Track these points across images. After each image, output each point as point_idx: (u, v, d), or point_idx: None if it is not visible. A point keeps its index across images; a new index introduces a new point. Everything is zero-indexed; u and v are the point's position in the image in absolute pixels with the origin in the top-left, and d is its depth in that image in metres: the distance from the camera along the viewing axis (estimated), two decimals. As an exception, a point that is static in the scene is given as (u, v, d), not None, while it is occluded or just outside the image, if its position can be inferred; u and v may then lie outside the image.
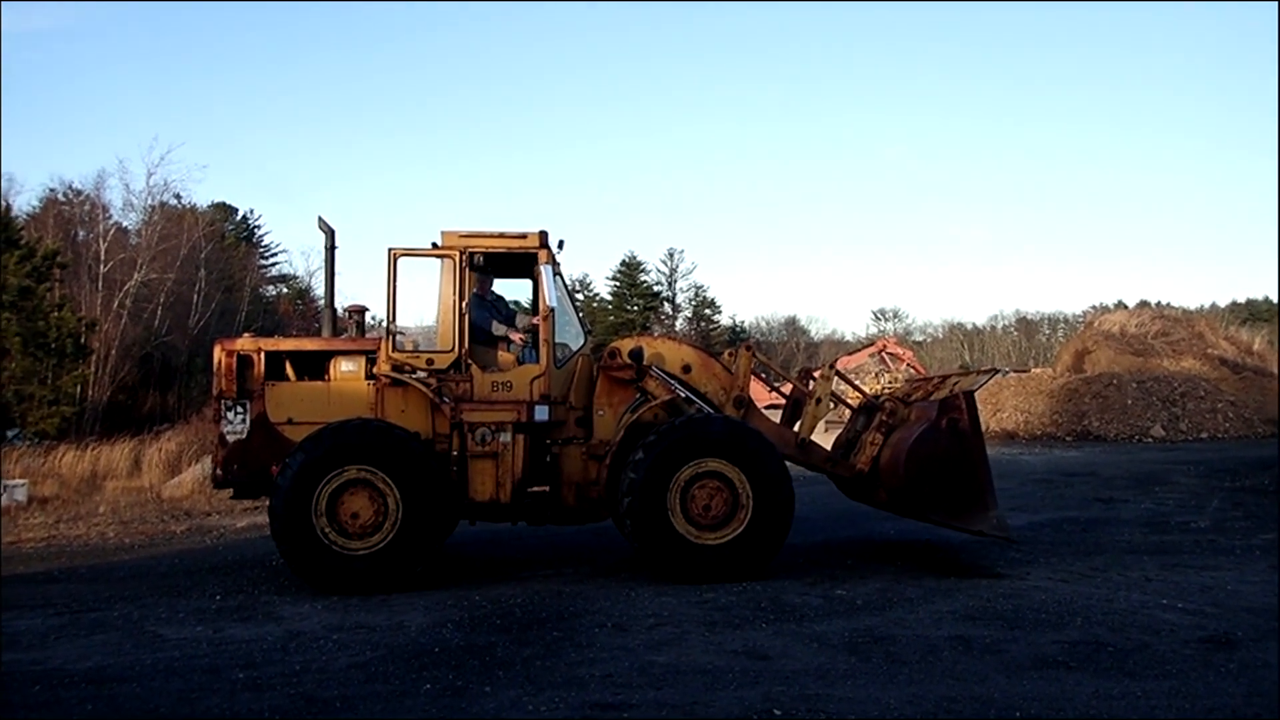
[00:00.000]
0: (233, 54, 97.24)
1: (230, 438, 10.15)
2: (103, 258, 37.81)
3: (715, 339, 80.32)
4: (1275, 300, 66.74)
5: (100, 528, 14.22)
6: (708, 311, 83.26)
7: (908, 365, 45.93)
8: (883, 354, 47.17)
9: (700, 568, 9.62)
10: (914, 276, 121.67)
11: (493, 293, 11.04)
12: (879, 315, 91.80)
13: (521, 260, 10.53)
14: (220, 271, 49.12)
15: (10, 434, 24.36)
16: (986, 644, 7.30)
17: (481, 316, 10.55)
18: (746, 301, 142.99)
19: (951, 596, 8.90)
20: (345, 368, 10.33)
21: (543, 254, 10.28)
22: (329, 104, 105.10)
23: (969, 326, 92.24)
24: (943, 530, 10.70)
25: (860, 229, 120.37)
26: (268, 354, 10.33)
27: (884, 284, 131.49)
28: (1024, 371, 43.28)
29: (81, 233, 41.30)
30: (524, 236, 10.39)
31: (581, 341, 10.89)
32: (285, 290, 66.49)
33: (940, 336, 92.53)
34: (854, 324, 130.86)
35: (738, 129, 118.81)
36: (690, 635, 7.65)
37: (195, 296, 45.21)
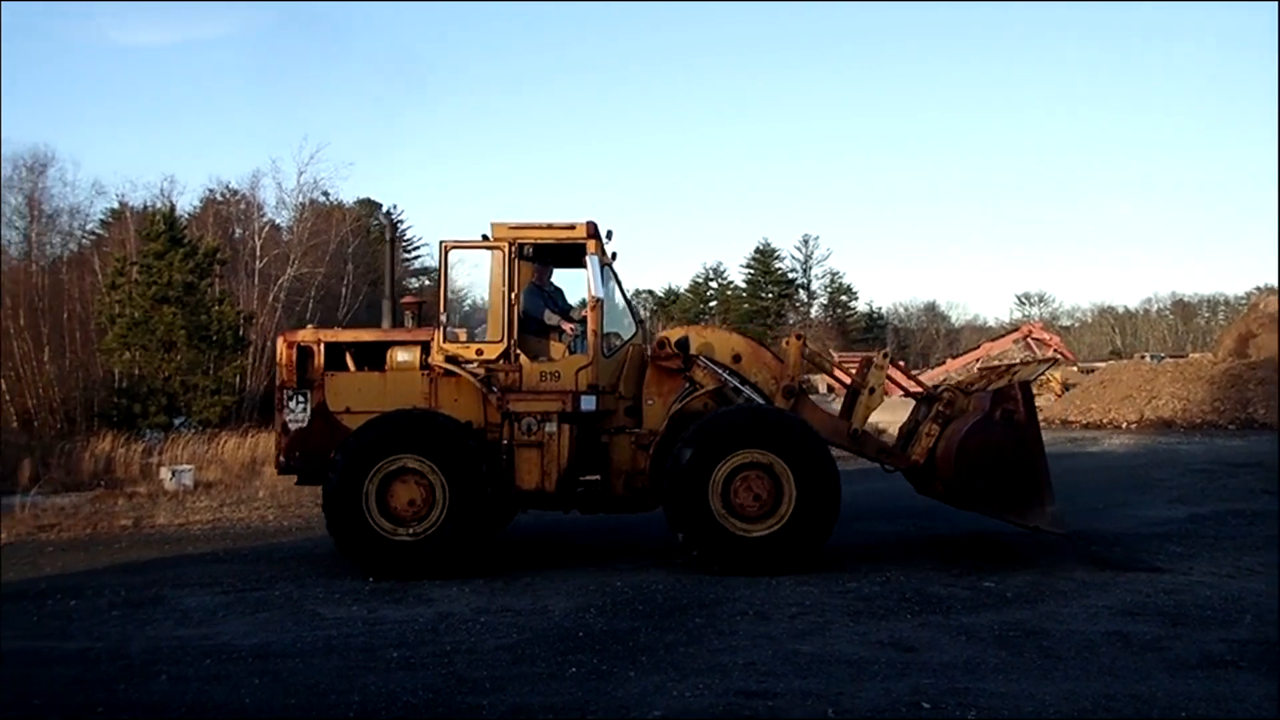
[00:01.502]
0: (375, 55, 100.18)
1: (292, 426, 10.45)
2: (258, 254, 39.54)
3: (851, 326, 79.22)
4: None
5: (260, 511, 14.86)
6: (843, 298, 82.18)
7: (1055, 351, 44.39)
8: (1028, 340, 45.65)
9: (741, 559, 9.48)
10: (1060, 259, 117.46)
11: (551, 283, 11.05)
12: (1023, 299, 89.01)
13: (570, 251, 10.41)
14: (366, 265, 50.78)
15: (177, 421, 25.70)
16: (1147, 641, 7.01)
17: (535, 306, 10.60)
18: (884, 287, 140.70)
19: (1107, 591, 8.58)
20: (401, 358, 10.48)
21: (591, 244, 10.19)
22: (469, 104, 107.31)
23: (1120, 310, 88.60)
24: (1096, 522, 10.33)
25: (1003, 212, 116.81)
26: (327, 345, 10.60)
27: (1028, 267, 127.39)
28: (1181, 357, 41.38)
29: (238, 230, 43.26)
30: (572, 227, 10.33)
31: (633, 332, 10.87)
32: (428, 282, 68.37)
33: (1089, 321, 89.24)
34: (997, 309, 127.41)
35: (875, 116, 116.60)
36: (834, 625, 7.57)
37: (343, 290, 46.86)
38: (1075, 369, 47.23)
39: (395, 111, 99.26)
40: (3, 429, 24.05)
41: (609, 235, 10.54)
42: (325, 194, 48.46)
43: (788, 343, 10.82)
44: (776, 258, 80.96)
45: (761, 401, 10.26)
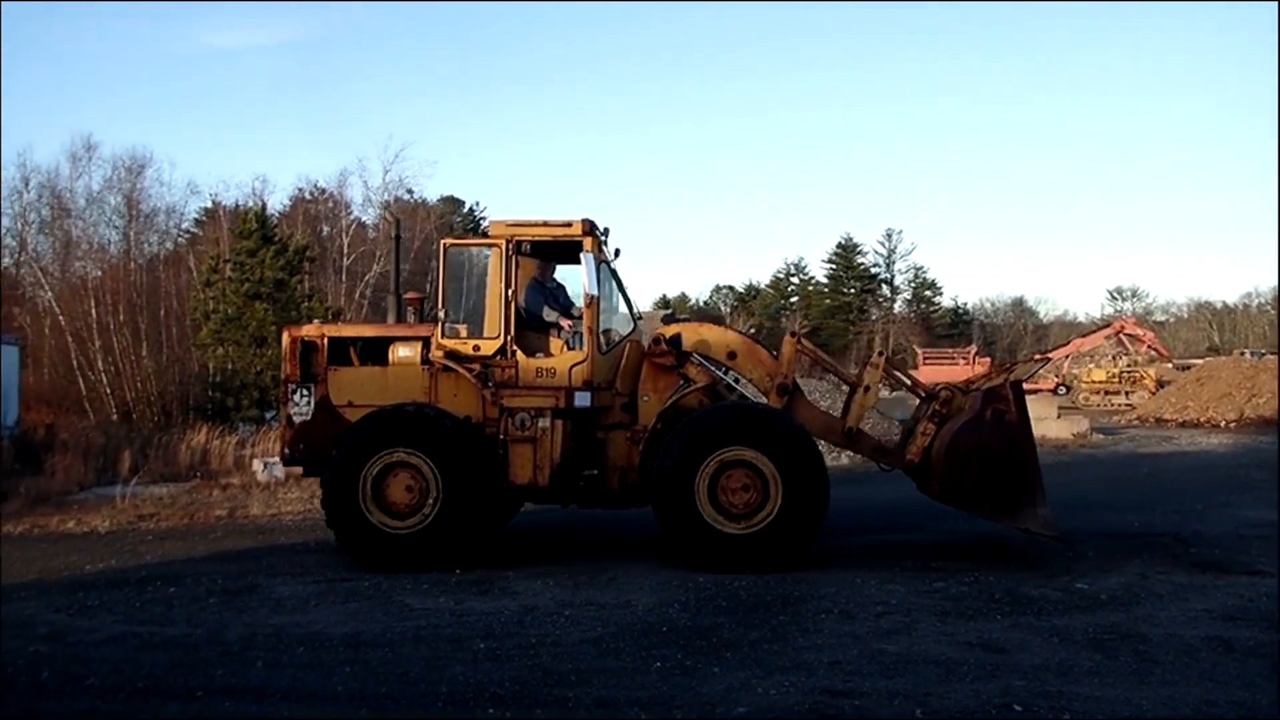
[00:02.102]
0: (458, 56, 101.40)
1: (296, 419, 10.64)
2: (345, 251, 40.36)
3: (936, 322, 78.04)
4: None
5: (349, 503, 15.13)
6: (928, 293, 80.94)
7: (1149, 347, 43.24)
8: (1120, 336, 44.52)
9: (727, 557, 9.44)
10: (1155, 252, 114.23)
11: (553, 280, 11.05)
12: (1115, 294, 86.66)
13: (569, 248, 10.40)
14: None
15: (269, 415, 26.32)
16: (1249, 646, 6.79)
17: (535, 303, 10.63)
18: (970, 282, 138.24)
19: (1207, 594, 8.33)
20: (402, 353, 10.60)
21: (587, 242, 10.22)
22: (550, 99, 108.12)
23: (1218, 305, 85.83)
24: (1195, 524, 10.03)
25: (1094, 204, 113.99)
26: (330, 340, 10.75)
27: (1120, 261, 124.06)
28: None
29: (326, 228, 44.23)
30: (569, 225, 10.40)
31: (630, 328, 10.89)
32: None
33: (1185, 316, 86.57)
34: (1087, 304, 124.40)
35: (962, 106, 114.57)
36: (920, 625, 7.47)
37: (427, 286, 47.49)
38: (1170, 366, 45.94)
39: (480, 109, 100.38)
40: (104, 421, 24.91)
41: (605, 232, 10.65)
42: (409, 192, 49.28)
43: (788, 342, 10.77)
44: (859, 252, 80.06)
45: (753, 399, 10.14)
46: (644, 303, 79.63)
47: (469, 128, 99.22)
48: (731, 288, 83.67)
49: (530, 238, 10.42)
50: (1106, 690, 5.93)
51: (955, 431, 9.78)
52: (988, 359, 47.78)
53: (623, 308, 11.14)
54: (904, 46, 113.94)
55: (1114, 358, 46.99)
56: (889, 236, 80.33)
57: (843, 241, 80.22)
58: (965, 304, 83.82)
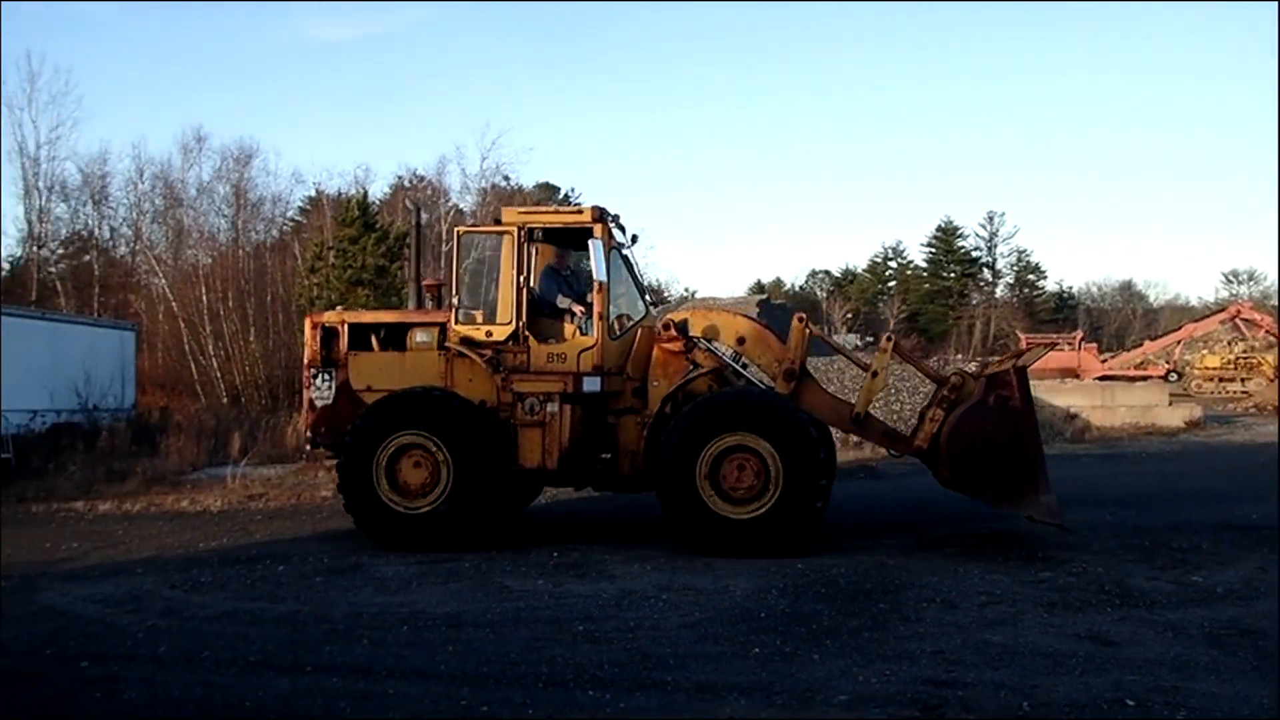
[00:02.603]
0: (553, 45, 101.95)
1: (318, 403, 10.92)
2: (444, 237, 40.88)
3: (1039, 306, 76.18)
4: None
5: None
6: (1031, 277, 79.02)
7: (1266, 332, 41.51)
8: (1236, 320, 42.80)
9: (728, 542, 9.46)
10: (1272, 234, 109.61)
11: (570, 267, 11.06)
12: (1230, 278, 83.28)
13: (578, 234, 10.50)
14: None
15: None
16: (1378, 644, 6.48)
17: (550, 289, 10.72)
18: (1076, 266, 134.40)
19: (1331, 589, 7.97)
20: (420, 339, 10.77)
21: (597, 229, 10.30)
22: (646, 85, 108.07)
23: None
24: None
25: (1208, 184, 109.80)
26: (351, 326, 11.00)
27: (1236, 243, 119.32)
28: None
29: (425, 215, 44.90)
30: (580, 212, 10.62)
31: (643, 314, 10.94)
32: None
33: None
34: (1200, 288, 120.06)
35: (1066, 85, 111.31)
36: (1026, 615, 7.30)
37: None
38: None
39: (576, 94, 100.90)
40: (215, 404, 25.73)
41: (615, 219, 10.71)
42: (506, 178, 49.79)
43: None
44: (959, 236, 78.51)
45: (760, 384, 10.20)
46: (738, 288, 79.31)
47: (566, 113, 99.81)
48: (828, 272, 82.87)
49: (542, 224, 10.64)
50: (1224, 687, 5.72)
51: (959, 417, 9.77)
52: (1094, 345, 46.48)
53: (636, 293, 11.25)
54: (1009, 24, 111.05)
55: (1229, 343, 45.30)
56: (991, 219, 78.64)
57: (942, 224, 78.82)
58: (1070, 288, 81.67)
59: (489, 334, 10.41)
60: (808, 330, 10.52)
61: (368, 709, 5.45)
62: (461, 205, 48.04)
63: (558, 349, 10.36)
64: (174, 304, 34.81)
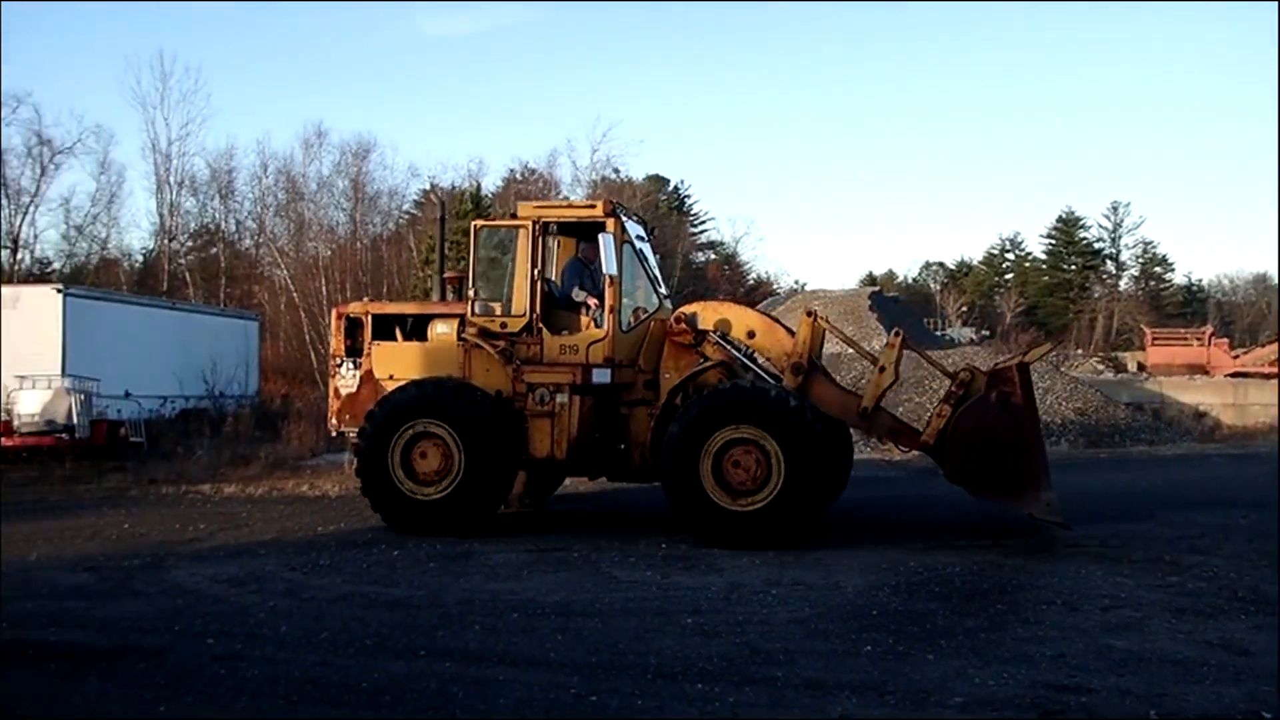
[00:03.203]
0: (665, 37, 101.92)
1: (343, 391, 11.36)
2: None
3: (1166, 300, 73.37)
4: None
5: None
6: (1157, 269, 76.02)
7: None
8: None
9: (730, 533, 9.58)
10: None
11: (595, 261, 10.91)
12: (1373, 271, 78.98)
13: (591, 228, 10.66)
14: (655, 240, 51.86)
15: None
16: None
17: (569, 282, 10.93)
18: (1205, 258, 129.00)
19: None
20: (440, 330, 11.07)
21: (610, 222, 10.46)
22: (755, 76, 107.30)
23: None
24: None
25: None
26: (374, 317, 11.41)
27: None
28: None
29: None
30: (592, 206, 10.98)
31: (655, 306, 11.09)
32: (713, 256, 69.23)
33: None
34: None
35: (1192, 72, 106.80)
36: (1153, 621, 7.01)
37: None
38: None
39: (688, 87, 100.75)
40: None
41: (629, 212, 11.08)
42: (616, 171, 50.02)
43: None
44: (1081, 226, 75.95)
45: (769, 378, 10.26)
46: (849, 280, 78.38)
47: (676, 105, 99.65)
48: (942, 264, 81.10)
49: (556, 218, 11.01)
50: (1370, 702, 5.40)
51: (960, 413, 9.76)
52: (1224, 340, 44.54)
53: (650, 285, 11.39)
54: (1133, 10, 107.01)
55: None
56: (1115, 209, 75.75)
57: (1063, 215, 76.27)
58: (1200, 281, 78.35)
59: (503, 325, 10.64)
60: (817, 324, 10.55)
61: (479, 695, 5.51)
62: (572, 198, 48.47)
63: (570, 341, 10.56)
64: (295, 294, 35.97)
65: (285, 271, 40.63)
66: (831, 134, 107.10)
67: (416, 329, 11.36)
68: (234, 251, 46.13)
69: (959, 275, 78.12)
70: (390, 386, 10.87)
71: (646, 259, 11.35)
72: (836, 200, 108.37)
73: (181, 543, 10.30)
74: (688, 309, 10.89)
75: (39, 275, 41.27)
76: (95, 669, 6.05)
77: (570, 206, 11.28)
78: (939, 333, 47.18)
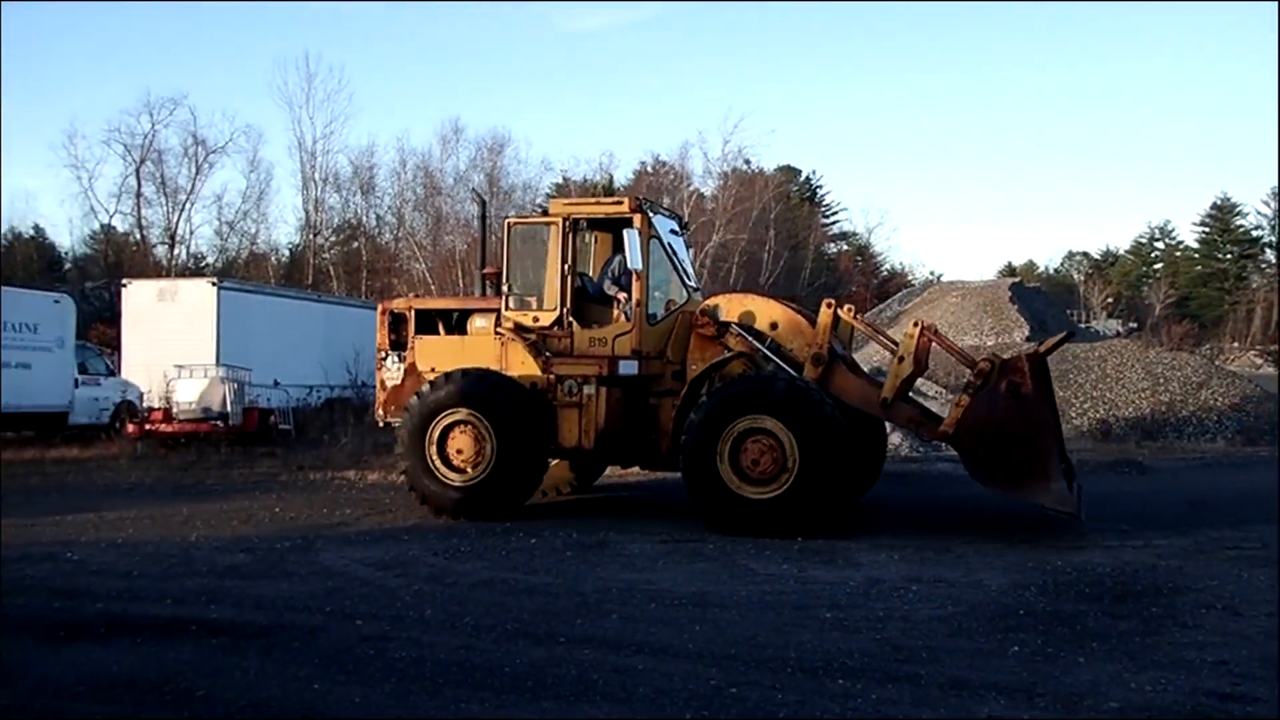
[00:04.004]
0: (797, 28, 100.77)
1: (388, 383, 11.89)
2: (685, 221, 41.34)
3: (1331, 290, 69.12)
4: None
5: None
6: (1321, 258, 71.70)
7: None
8: None
9: (746, 521, 9.75)
10: None
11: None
12: None
13: (619, 224, 11.01)
14: (787, 231, 51.53)
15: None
16: None
17: (604, 277, 11.36)
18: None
19: None
20: (479, 324, 11.55)
21: (636, 218, 10.79)
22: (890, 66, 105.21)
23: None
24: None
25: None
26: (418, 312, 11.91)
27: None
28: None
29: (667, 199, 45.51)
30: (620, 203, 11.31)
31: (684, 299, 11.37)
32: (845, 247, 68.26)
33: None
34: None
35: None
36: (1325, 628, 6.62)
37: (765, 255, 47.90)
38: None
39: (818, 77, 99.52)
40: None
41: (657, 208, 11.46)
42: (747, 162, 49.72)
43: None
44: (1238, 214, 72.25)
45: (789, 369, 10.27)
46: (988, 271, 76.25)
47: (809, 95, 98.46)
48: (1086, 254, 78.29)
49: (585, 215, 11.40)
50: None
51: (971, 403, 9.76)
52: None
53: (679, 278, 11.59)
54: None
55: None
56: (1276, 195, 71.83)
57: (1218, 202, 72.74)
58: (1367, 270, 73.64)
59: (535, 319, 11.02)
60: (836, 315, 10.59)
61: (619, 683, 5.54)
62: (703, 190, 48.41)
63: (599, 334, 10.90)
64: (433, 287, 36.85)
65: (423, 264, 41.73)
66: (968, 120, 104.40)
67: (458, 323, 11.84)
68: (374, 245, 47.56)
69: (1104, 265, 75.30)
70: (432, 378, 11.28)
71: (677, 253, 11.64)
72: (974, 189, 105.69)
73: (329, 527, 10.68)
74: (711, 301, 11.15)
75: (194, 269, 43.41)
76: (253, 646, 6.30)
77: (599, 203, 11.77)
78: (1083, 325, 45.56)
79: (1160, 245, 76.54)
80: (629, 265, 10.66)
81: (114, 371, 22.51)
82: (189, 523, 10.97)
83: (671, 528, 10.28)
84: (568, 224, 11.03)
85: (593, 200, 11.83)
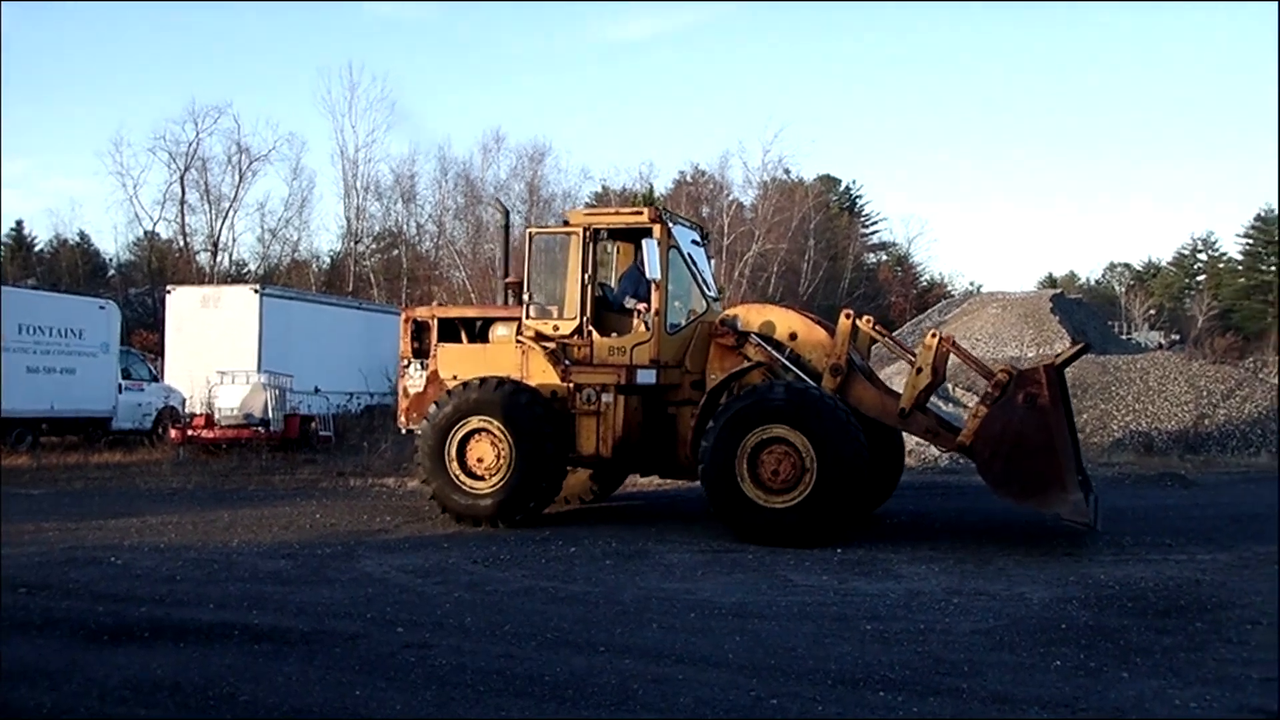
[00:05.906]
0: (838, 39, 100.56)
1: (411, 390, 12.01)
2: (725, 231, 41.33)
3: (1380, 302, 67.90)
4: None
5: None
6: (1370, 270, 70.44)
7: None
8: None
9: (765, 529, 9.79)
10: None
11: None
12: None
13: (638, 234, 11.07)
14: (827, 241, 51.36)
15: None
16: None
17: (625, 288, 11.40)
18: None
19: None
20: (500, 333, 11.65)
21: (656, 228, 10.92)
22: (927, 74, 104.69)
23: None
24: None
25: None
26: (440, 321, 12.00)
27: None
28: None
29: (707, 209, 45.59)
30: (639, 213, 11.41)
31: (704, 308, 11.43)
32: (885, 257, 67.94)
33: None
34: None
35: None
36: (1375, 647, 6.50)
37: (804, 265, 47.77)
38: None
39: (858, 86, 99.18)
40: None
41: (676, 218, 11.58)
42: (787, 171, 49.67)
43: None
44: (1283, 224, 71.09)
45: (808, 379, 10.42)
46: (1028, 282, 75.61)
47: (849, 105, 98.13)
48: (1128, 265, 77.45)
49: (606, 225, 11.48)
50: None
51: (987, 414, 9.78)
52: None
53: (698, 288, 11.63)
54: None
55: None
56: (1322, 207, 70.65)
57: (1263, 213, 71.63)
58: None
59: (555, 328, 11.12)
60: (855, 326, 10.59)
61: (659, 692, 5.55)
62: (743, 199, 48.37)
63: (617, 343, 10.96)
64: (473, 295, 37.05)
65: (463, 273, 41.98)
66: (1008, 131, 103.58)
67: (480, 332, 11.93)
68: (415, 254, 47.96)
69: (1146, 277, 74.44)
70: (454, 386, 11.37)
71: (697, 263, 11.69)
72: (1015, 200, 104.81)
73: (369, 533, 10.78)
74: (730, 311, 11.23)
75: (236, 276, 43.95)
76: (295, 651, 6.37)
77: (619, 213, 11.81)
78: (1125, 337, 45.06)
79: (1203, 257, 75.57)
80: (647, 275, 10.74)
81: (157, 377, 22.87)
82: (231, 528, 11.11)
83: (712, 538, 10.27)
84: (588, 234, 11.14)
85: (612, 210, 11.94)
